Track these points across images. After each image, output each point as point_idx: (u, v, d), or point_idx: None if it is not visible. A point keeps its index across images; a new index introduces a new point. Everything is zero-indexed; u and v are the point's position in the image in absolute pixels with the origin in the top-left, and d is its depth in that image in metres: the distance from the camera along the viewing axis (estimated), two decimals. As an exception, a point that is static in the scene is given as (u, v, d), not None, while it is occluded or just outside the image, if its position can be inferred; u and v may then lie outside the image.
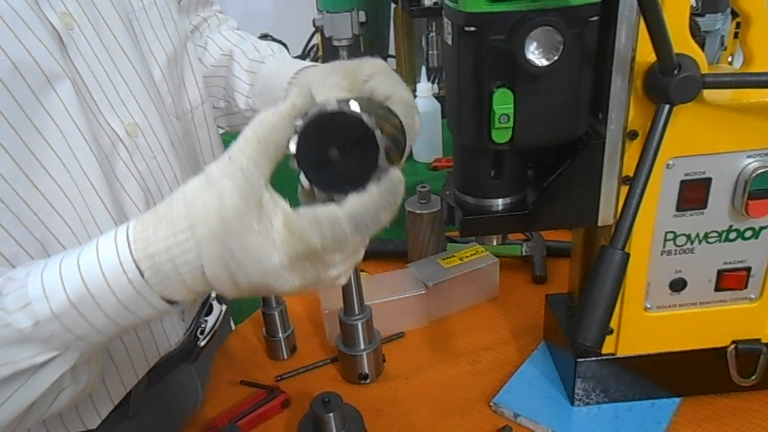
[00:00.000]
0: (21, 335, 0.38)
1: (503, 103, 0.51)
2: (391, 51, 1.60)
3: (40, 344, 0.39)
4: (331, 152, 0.40)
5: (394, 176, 0.38)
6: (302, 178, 0.39)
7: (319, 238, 0.37)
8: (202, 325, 0.69)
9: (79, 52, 0.52)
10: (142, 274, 0.38)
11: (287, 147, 0.38)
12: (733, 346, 0.64)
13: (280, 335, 0.82)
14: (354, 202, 0.37)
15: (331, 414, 0.65)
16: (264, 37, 1.43)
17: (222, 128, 0.75)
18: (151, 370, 0.62)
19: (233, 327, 0.89)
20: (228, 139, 0.74)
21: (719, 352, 0.65)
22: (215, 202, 0.36)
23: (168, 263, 0.37)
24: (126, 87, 0.56)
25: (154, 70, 0.61)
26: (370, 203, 0.37)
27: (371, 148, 0.38)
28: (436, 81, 1.39)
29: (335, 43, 1.37)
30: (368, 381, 0.77)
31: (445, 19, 0.53)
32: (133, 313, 0.39)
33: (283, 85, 0.63)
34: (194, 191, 0.38)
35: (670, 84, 0.50)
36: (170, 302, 0.40)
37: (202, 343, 0.68)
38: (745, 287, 0.62)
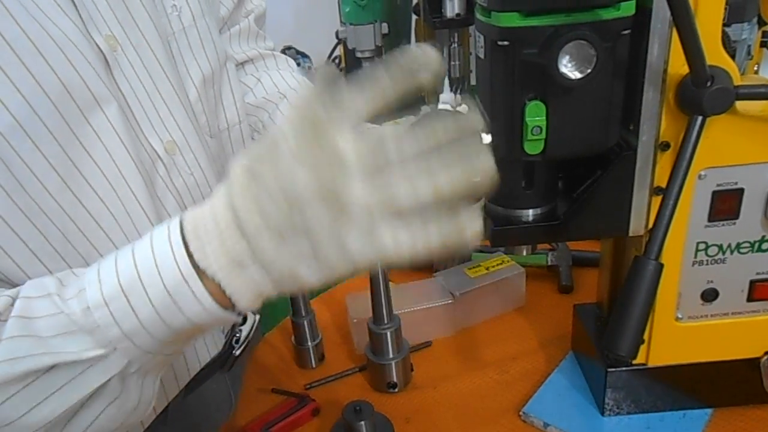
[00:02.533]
0: (70, 323, 0.39)
1: (536, 115, 0.52)
2: (413, 62, 1.61)
3: (86, 337, 0.39)
4: None
5: None
6: None
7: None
8: (237, 335, 0.70)
9: (123, 74, 0.54)
10: (186, 247, 0.38)
11: None
12: (766, 357, 0.64)
13: (309, 344, 0.83)
14: None
15: (362, 422, 0.66)
16: (287, 49, 1.45)
17: None
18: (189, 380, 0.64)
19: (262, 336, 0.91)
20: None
21: (752, 363, 0.64)
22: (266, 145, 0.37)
23: (209, 217, 0.38)
24: (165, 106, 0.58)
25: (190, 91, 0.63)
26: None
27: None
28: (459, 91, 1.39)
29: (358, 55, 1.39)
30: (396, 390, 0.77)
31: (478, 34, 0.54)
32: (179, 307, 0.38)
33: None
34: None
35: (703, 96, 0.50)
36: (219, 305, 0.39)
37: (237, 353, 0.69)
38: (778, 298, 0.62)
